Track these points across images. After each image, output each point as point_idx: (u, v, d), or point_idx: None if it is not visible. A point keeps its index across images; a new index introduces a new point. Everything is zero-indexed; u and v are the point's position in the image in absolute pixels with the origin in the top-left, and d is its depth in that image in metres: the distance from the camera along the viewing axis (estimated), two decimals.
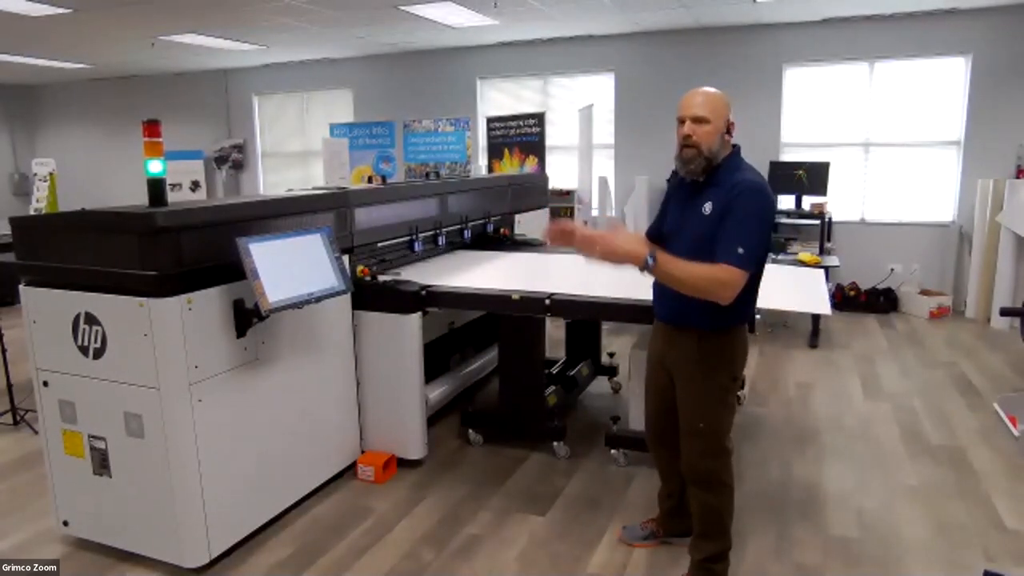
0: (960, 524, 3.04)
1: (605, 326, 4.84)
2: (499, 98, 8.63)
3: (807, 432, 4.04)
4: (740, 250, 2.15)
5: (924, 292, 6.89)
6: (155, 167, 2.77)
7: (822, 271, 3.94)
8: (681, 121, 2.30)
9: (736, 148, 2.37)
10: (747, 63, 7.37)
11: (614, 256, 2.23)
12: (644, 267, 2.19)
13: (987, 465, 3.58)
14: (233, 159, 10.15)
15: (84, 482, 2.81)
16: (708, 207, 2.29)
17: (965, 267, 6.84)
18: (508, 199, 5.31)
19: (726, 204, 2.23)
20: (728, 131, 2.31)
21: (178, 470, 2.63)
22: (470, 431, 3.92)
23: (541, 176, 6.28)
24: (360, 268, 3.59)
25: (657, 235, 2.55)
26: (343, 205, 3.53)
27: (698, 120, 2.27)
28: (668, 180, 2.56)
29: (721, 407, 2.44)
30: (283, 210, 3.13)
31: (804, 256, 4.30)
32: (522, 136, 7.46)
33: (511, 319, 3.70)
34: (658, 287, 2.50)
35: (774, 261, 4.29)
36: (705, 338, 2.36)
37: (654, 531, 2.91)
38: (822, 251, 6.47)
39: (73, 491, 2.87)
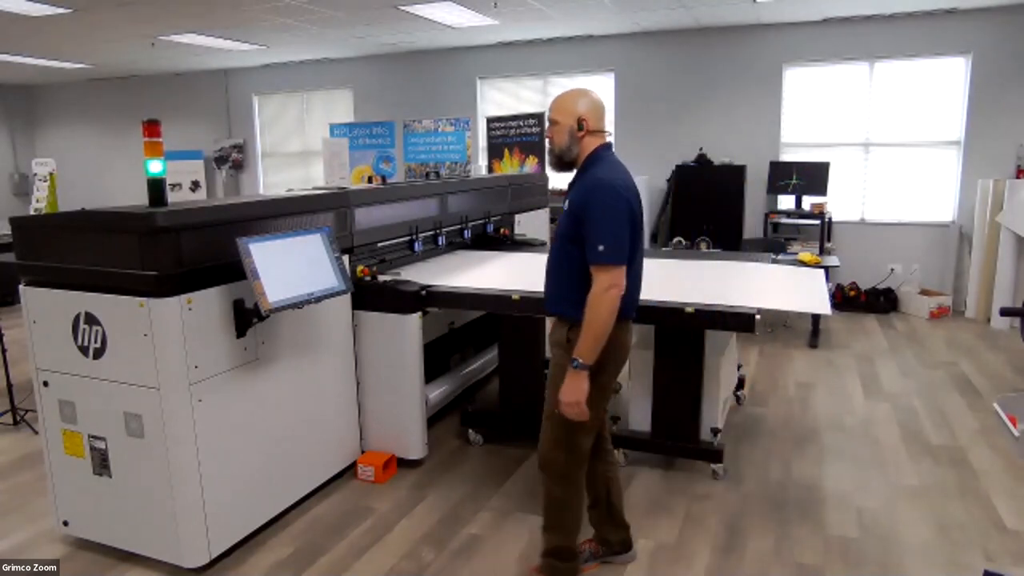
0: (960, 524, 3.04)
1: None
2: (499, 98, 8.63)
3: (807, 432, 4.04)
4: (600, 247, 2.24)
5: (924, 292, 6.89)
6: (155, 167, 2.77)
7: (822, 271, 3.93)
8: None
9: (604, 144, 2.41)
10: (747, 63, 7.37)
11: (574, 392, 2.28)
12: (580, 367, 2.25)
13: (987, 465, 3.58)
14: (233, 159, 10.15)
15: (84, 482, 2.81)
16: (567, 204, 2.40)
17: (965, 267, 6.84)
18: (508, 199, 5.31)
19: (581, 204, 2.31)
20: (580, 127, 2.36)
21: (178, 470, 2.63)
22: (470, 431, 3.92)
23: (541, 176, 6.28)
24: (360, 268, 3.59)
25: None
26: (343, 205, 3.53)
27: (550, 121, 2.42)
28: None
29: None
30: (283, 210, 3.13)
31: (804, 256, 4.28)
32: (522, 136, 7.46)
33: (511, 319, 3.70)
34: (545, 276, 2.53)
35: (774, 261, 4.29)
36: (575, 329, 2.31)
37: (593, 551, 2.79)
38: (822, 251, 6.47)
39: (73, 491, 2.87)
